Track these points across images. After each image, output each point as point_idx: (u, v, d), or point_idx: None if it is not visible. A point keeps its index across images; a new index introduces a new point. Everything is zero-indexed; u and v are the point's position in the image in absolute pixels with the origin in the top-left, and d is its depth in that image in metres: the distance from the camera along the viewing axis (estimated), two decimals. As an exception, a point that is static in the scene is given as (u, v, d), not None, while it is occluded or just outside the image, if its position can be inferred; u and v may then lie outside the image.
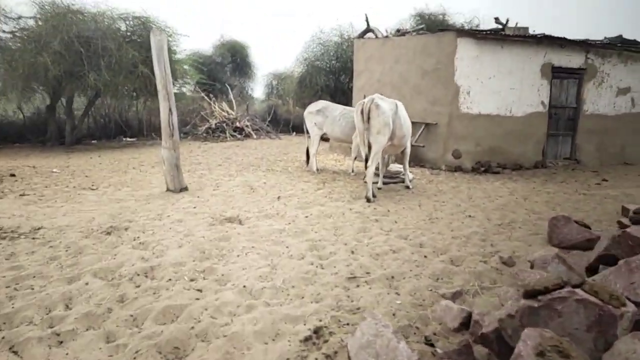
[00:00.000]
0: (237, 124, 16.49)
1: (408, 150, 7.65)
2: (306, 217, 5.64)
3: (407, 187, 7.70)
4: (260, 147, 14.23)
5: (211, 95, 19.12)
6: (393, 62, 11.44)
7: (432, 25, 16.38)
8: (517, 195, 7.05)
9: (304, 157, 10.64)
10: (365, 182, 8.07)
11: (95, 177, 8.50)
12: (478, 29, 10.07)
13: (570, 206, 6.32)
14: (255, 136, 16.53)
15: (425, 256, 4.24)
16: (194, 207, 6.17)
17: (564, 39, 10.29)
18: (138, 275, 3.81)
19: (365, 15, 13.39)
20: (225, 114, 16.94)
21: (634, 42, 11.69)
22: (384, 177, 8.15)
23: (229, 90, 19.39)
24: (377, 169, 8.35)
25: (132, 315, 3.12)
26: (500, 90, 10.08)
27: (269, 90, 29.23)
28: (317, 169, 9.32)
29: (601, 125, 11.37)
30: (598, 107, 11.24)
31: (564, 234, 4.44)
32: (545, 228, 5.16)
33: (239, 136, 16.09)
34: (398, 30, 13.29)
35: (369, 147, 6.46)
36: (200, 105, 18.12)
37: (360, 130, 6.52)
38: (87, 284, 3.63)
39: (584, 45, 10.69)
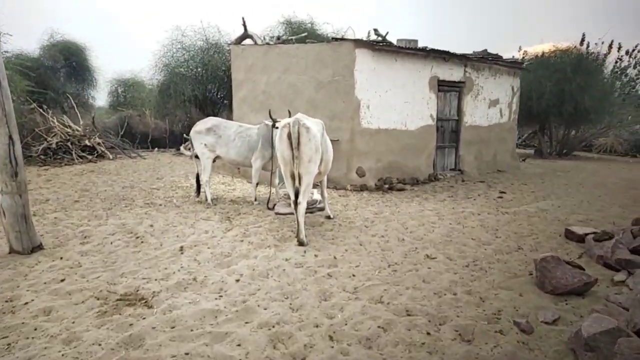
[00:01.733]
0: (87, 142, 13.63)
1: (326, 176, 6.67)
2: (237, 280, 4.23)
3: (329, 217, 6.70)
4: (123, 171, 11.85)
5: (44, 106, 15.64)
6: (281, 72, 10.37)
7: (301, 33, 15.74)
8: (449, 221, 6.56)
9: (190, 184, 9.01)
10: (278, 214, 6.88)
11: None
12: (371, 40, 9.55)
13: (508, 230, 6.02)
14: (111, 156, 13.86)
15: (428, 333, 3.26)
16: (63, 280, 4.27)
17: (448, 52, 10.43)
18: None
19: (243, 19, 12.11)
20: (70, 130, 13.90)
21: (497, 56, 12.55)
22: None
23: (71, 99, 16.16)
24: (287, 197, 7.22)
25: None
26: (396, 104, 9.76)
27: (114, 98, 25.68)
28: (212, 200, 7.77)
29: (478, 135, 11.92)
30: (475, 119, 11.75)
31: (558, 278, 3.88)
32: (514, 265, 4.64)
33: (90, 157, 13.28)
34: (278, 38, 12.28)
35: (299, 179, 5.27)
36: (31, 119, 14.63)
37: (286, 159, 5.30)
38: None
39: (463, 59, 11.02)
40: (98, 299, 3.84)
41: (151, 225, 6.25)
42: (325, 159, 5.89)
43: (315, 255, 4.91)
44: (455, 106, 11.27)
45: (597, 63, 18.39)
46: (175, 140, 21.60)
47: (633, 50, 20.08)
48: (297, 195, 5.25)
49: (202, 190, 7.97)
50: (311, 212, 6.97)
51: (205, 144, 7.61)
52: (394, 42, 10.67)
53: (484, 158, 12.22)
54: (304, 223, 5.39)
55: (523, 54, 19.47)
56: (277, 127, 7.14)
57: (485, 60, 11.59)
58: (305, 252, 5.06)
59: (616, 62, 20.28)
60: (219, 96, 16.56)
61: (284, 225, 6.28)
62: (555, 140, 19.79)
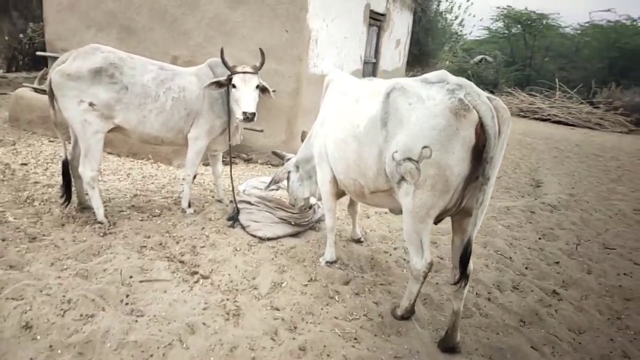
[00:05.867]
0: None
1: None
2: None
3: (359, 241, 4.00)
4: None
5: None
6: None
7: None
8: (529, 230, 4.65)
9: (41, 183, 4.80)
10: (267, 238, 3.87)
11: None
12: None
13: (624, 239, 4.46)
14: None
15: None
16: None
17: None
18: None
19: None
20: None
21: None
22: (293, 221, 4.10)
23: None
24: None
25: None
26: (337, 40, 7.05)
27: None
28: (105, 214, 3.97)
29: (385, 82, 10.12)
30: (386, 62, 9.89)
31: None
32: None
33: None
34: None
35: (474, 221, 2.41)
36: None
37: (452, 183, 2.27)
38: None
39: (389, -14, 8.78)
40: None
41: (25, 327, 2.49)
42: None
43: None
44: (374, 46, 9.10)
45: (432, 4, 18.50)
46: None
47: (451, -7, 20.93)
48: (465, 259, 2.40)
49: (74, 191, 4.06)
50: (301, 228, 4.14)
51: (90, 103, 3.63)
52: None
53: (386, 108, 10.60)
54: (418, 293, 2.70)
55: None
56: (233, 85, 3.85)
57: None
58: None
59: (437, 4, 20.95)
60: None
61: (311, 269, 3.38)
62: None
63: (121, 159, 6.01)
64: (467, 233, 2.41)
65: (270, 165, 6.38)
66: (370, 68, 9.15)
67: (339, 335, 2.65)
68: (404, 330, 2.74)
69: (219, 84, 3.87)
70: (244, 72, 3.85)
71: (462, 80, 2.32)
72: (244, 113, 3.73)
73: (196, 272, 3.24)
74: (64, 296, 2.79)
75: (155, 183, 5.15)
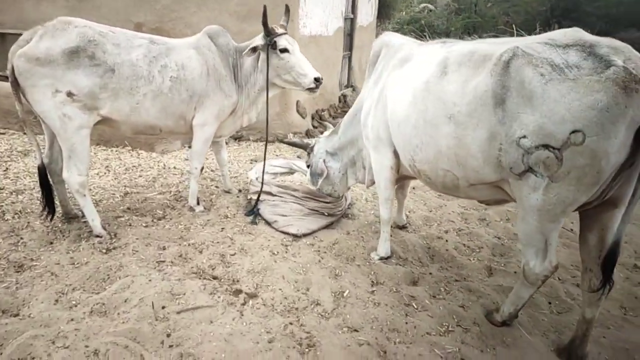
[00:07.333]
0: None
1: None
2: None
3: (403, 227, 3.53)
4: None
5: None
6: None
7: None
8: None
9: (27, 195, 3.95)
10: (302, 234, 3.36)
11: None
12: None
13: None
14: None
15: None
16: None
17: None
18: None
19: None
20: None
21: None
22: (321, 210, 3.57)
23: None
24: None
25: None
26: (322, -5, 6.32)
27: None
28: (102, 224, 3.26)
29: (360, 39, 9.48)
30: (362, 17, 9.20)
31: None
32: None
33: None
34: None
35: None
36: None
37: (610, 169, 1.78)
38: None
39: None
40: None
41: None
42: None
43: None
44: (351, 0, 8.37)
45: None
46: None
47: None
48: (612, 264, 1.94)
49: (56, 201, 3.32)
50: (327, 219, 3.63)
51: (68, 93, 2.84)
52: None
53: (363, 67, 10.01)
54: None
55: None
56: (283, 50, 3.23)
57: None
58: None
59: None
60: None
61: (367, 268, 2.89)
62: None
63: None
64: (610, 230, 1.98)
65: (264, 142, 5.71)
66: (349, 24, 8.46)
67: (442, 357, 2.21)
68: (510, 340, 2.34)
69: (253, 49, 3.25)
70: (285, 34, 3.28)
71: (613, 42, 1.80)
72: (317, 80, 3.16)
73: (240, 291, 2.68)
74: (87, 347, 2.17)
75: (144, 176, 4.41)
